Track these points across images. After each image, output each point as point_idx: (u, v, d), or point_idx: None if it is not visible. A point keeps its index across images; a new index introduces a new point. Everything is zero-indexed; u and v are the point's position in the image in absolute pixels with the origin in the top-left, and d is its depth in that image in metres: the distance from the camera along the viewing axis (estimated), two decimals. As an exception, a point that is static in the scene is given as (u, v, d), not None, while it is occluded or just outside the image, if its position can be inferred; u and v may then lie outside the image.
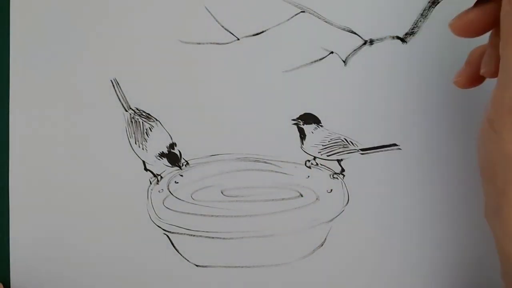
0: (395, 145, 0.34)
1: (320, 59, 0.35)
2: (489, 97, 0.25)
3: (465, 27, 0.27)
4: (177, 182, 0.35)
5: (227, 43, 0.35)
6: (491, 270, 0.34)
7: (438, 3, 0.34)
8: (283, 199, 0.35)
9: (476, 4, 0.27)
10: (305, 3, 0.34)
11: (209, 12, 0.35)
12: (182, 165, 0.35)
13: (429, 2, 0.34)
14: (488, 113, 0.25)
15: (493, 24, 0.26)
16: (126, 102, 0.35)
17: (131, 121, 0.34)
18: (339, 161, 0.35)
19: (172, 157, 0.34)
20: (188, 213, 0.35)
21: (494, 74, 0.26)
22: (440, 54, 0.34)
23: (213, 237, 0.34)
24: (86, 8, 0.35)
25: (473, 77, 0.28)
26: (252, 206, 0.34)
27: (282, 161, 0.35)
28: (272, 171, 0.35)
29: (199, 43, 0.35)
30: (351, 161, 0.35)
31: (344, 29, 0.35)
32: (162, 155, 0.34)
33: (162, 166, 0.35)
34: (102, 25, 0.35)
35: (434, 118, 0.34)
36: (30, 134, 0.35)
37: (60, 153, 0.35)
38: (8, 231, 0.35)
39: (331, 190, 0.35)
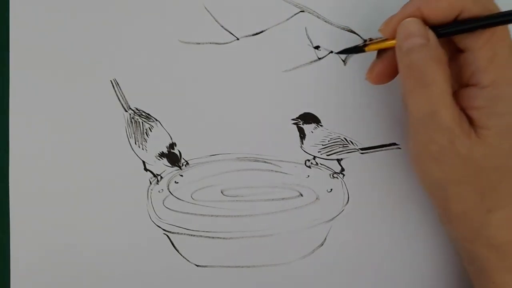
0: (395, 144, 0.34)
1: (320, 58, 0.35)
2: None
3: (377, 78, 0.31)
4: (177, 182, 0.35)
5: (227, 43, 0.35)
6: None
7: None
8: (283, 198, 0.35)
9: (377, 55, 0.31)
10: (304, 3, 0.34)
11: (208, 12, 0.35)
12: (182, 165, 0.35)
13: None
14: (410, 149, 0.29)
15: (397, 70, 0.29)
16: (126, 102, 0.35)
17: (131, 121, 0.35)
18: (339, 160, 0.35)
19: (172, 157, 0.35)
20: (188, 213, 0.35)
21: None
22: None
23: (213, 237, 0.34)
24: (86, 8, 0.35)
25: (384, 73, 0.30)
26: (252, 205, 0.34)
27: (282, 161, 0.35)
28: (272, 170, 0.35)
29: (199, 43, 0.35)
30: (351, 161, 0.35)
31: (343, 29, 0.35)
32: (162, 155, 0.34)
33: (162, 166, 0.35)
34: (102, 25, 0.35)
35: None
36: (30, 134, 0.35)
37: (60, 153, 0.35)
38: (8, 231, 0.35)
39: (331, 189, 0.35)
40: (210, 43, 0.35)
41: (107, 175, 0.35)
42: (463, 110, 0.27)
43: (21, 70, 0.35)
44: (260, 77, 0.35)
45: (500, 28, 0.26)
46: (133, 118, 0.35)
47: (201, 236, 0.34)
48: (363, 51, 0.31)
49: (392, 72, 0.30)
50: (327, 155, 0.35)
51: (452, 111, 0.26)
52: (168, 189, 0.35)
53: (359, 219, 0.34)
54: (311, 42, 0.35)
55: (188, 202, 0.35)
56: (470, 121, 0.27)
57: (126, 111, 0.35)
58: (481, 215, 0.28)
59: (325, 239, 0.34)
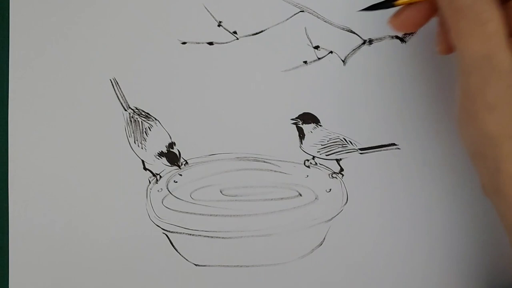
0: (394, 144, 0.34)
1: (320, 58, 0.35)
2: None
3: (403, 24, 0.29)
4: (176, 182, 0.35)
5: (227, 43, 0.35)
6: (489, 268, 0.34)
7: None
8: (282, 198, 0.35)
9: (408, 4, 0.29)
10: (304, 3, 0.34)
11: (208, 11, 0.35)
12: (181, 164, 0.35)
13: (428, 1, 0.34)
14: (459, 101, 0.26)
15: (427, 19, 0.28)
16: (125, 101, 0.35)
17: (130, 120, 0.35)
18: (338, 160, 0.35)
19: (171, 157, 0.35)
20: (187, 213, 0.35)
21: (448, 52, 0.28)
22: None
23: (212, 237, 0.34)
24: (86, 7, 0.35)
25: (411, 21, 0.29)
26: (251, 205, 0.34)
27: (281, 161, 0.35)
28: (271, 170, 0.35)
29: (198, 43, 0.35)
30: (350, 161, 0.35)
31: (343, 29, 0.35)
32: (161, 154, 0.35)
33: (161, 165, 0.35)
34: (101, 25, 0.35)
35: (433, 118, 0.34)
36: (29, 134, 0.35)
37: (59, 152, 0.35)
38: (8, 231, 0.35)
39: (330, 189, 0.35)
40: (210, 42, 0.35)
41: (106, 174, 0.35)
42: None
43: (21, 69, 0.35)
44: (260, 77, 0.35)
45: None
46: (132, 117, 0.35)
47: (200, 235, 0.34)
48: (392, 6, 0.29)
49: (418, 22, 0.29)
50: (326, 155, 0.35)
51: (510, 53, 0.25)
52: (167, 188, 0.35)
53: (358, 219, 0.34)
54: (310, 42, 0.35)
55: (187, 201, 0.35)
56: None
57: (126, 110, 0.35)
58: None
59: (324, 239, 0.34)
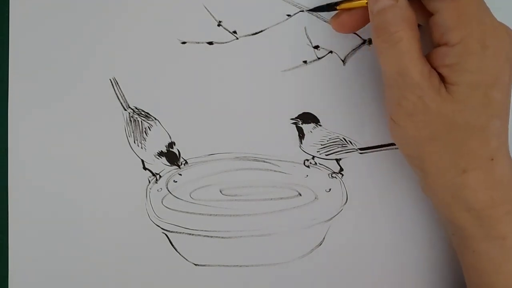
0: (393, 144, 0.34)
1: (319, 58, 0.35)
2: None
3: (340, 25, 0.31)
4: (176, 181, 0.35)
5: (226, 42, 0.35)
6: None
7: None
8: (281, 198, 0.35)
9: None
10: (304, 3, 0.34)
11: (208, 11, 0.35)
12: (181, 164, 0.35)
13: (427, 1, 0.34)
14: (387, 109, 0.30)
15: (363, 23, 0.31)
16: (125, 101, 0.35)
17: (130, 120, 0.35)
18: (337, 160, 0.35)
19: (171, 156, 0.35)
20: (187, 212, 0.35)
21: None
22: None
23: (211, 236, 0.34)
24: (85, 7, 0.35)
25: (348, 24, 0.31)
26: (250, 205, 0.34)
27: (280, 160, 0.35)
28: (270, 170, 0.35)
29: (198, 42, 0.35)
30: (350, 161, 0.35)
31: (343, 29, 0.35)
32: (161, 154, 0.35)
33: (161, 165, 0.35)
34: (101, 25, 0.35)
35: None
36: (29, 133, 0.35)
37: (59, 152, 0.35)
38: (8, 231, 0.35)
39: (330, 189, 0.35)
40: (210, 42, 0.35)
41: (106, 173, 0.35)
42: (435, 69, 0.28)
43: (21, 69, 0.35)
44: (259, 76, 0.35)
45: None
46: (132, 117, 0.35)
47: (199, 235, 0.34)
48: (335, 9, 0.31)
49: (355, 25, 0.31)
50: (326, 155, 0.35)
51: (421, 68, 0.27)
52: (167, 188, 0.35)
53: (358, 219, 0.34)
54: (310, 42, 0.35)
55: (187, 201, 0.35)
56: (442, 79, 0.28)
57: (125, 109, 0.35)
58: (457, 175, 0.28)
59: (324, 238, 0.34)
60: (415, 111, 0.28)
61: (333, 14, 0.32)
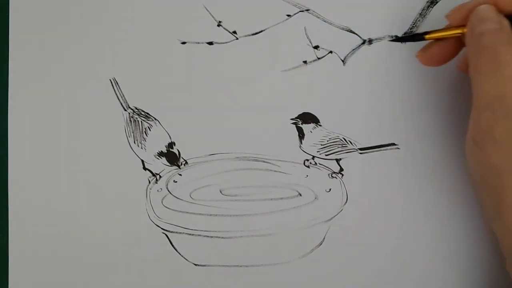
0: (393, 144, 0.34)
1: (319, 58, 0.35)
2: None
3: (429, 59, 0.31)
4: (176, 181, 0.35)
5: (226, 43, 0.35)
6: (489, 267, 0.34)
7: (437, 3, 0.34)
8: (281, 198, 0.35)
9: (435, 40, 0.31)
10: (304, 3, 0.34)
11: (208, 11, 0.35)
12: (181, 164, 0.35)
13: (427, 2, 0.34)
14: (470, 132, 0.28)
15: (454, 54, 0.30)
16: (125, 101, 0.35)
17: (130, 120, 0.35)
18: (337, 160, 0.35)
19: (171, 156, 0.35)
20: (187, 212, 0.35)
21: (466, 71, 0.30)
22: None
23: (212, 236, 0.34)
24: (85, 8, 0.35)
25: (437, 57, 0.31)
26: (251, 205, 0.34)
27: (280, 161, 0.35)
28: (270, 170, 0.35)
29: (198, 43, 0.35)
30: (350, 161, 0.35)
31: (343, 29, 0.35)
32: (161, 154, 0.35)
33: (161, 165, 0.35)
34: (101, 25, 0.35)
35: (432, 118, 0.34)
36: (29, 133, 0.35)
37: (59, 152, 0.35)
38: (8, 231, 0.35)
39: (330, 189, 0.35)
40: (210, 42, 0.35)
41: (106, 173, 0.35)
42: None
43: (21, 70, 0.35)
44: (259, 76, 0.35)
45: None
46: (132, 117, 0.35)
47: (199, 235, 0.34)
48: (423, 39, 0.30)
49: (445, 57, 0.30)
50: (326, 155, 0.35)
51: None
52: (167, 188, 0.35)
53: (358, 219, 0.34)
54: (310, 42, 0.35)
55: (187, 201, 0.35)
56: None
57: (125, 110, 0.35)
58: None
59: (324, 238, 0.34)
60: (505, 139, 0.26)
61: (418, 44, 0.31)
